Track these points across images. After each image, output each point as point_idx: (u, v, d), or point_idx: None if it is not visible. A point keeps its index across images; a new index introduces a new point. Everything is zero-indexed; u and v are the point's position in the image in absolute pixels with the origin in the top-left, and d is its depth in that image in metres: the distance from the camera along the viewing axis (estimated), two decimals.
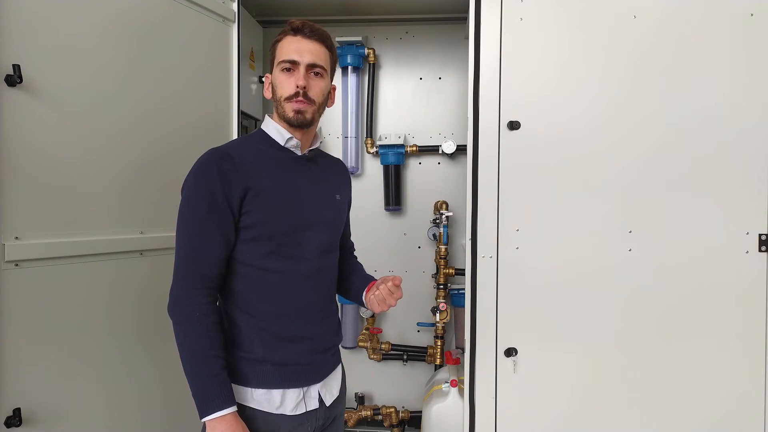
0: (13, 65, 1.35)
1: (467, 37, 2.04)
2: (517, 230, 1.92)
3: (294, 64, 1.32)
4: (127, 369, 1.71)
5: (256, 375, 1.29)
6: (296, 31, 1.33)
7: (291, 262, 1.32)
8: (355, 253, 1.66)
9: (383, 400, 2.96)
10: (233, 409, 1.23)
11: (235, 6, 2.18)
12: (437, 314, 2.63)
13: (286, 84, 1.32)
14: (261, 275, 1.30)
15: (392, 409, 2.79)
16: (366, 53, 2.85)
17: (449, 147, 2.78)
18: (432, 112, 2.94)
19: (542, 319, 1.92)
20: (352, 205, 1.60)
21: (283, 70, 1.33)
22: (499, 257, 1.92)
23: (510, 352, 1.92)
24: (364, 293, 1.44)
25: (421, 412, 2.56)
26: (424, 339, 2.95)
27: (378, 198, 2.94)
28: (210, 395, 1.21)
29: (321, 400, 1.37)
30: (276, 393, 1.30)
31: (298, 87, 1.31)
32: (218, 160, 1.27)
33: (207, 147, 1.33)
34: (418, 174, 2.95)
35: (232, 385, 1.26)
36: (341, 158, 2.71)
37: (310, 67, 1.33)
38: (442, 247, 2.72)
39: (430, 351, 2.85)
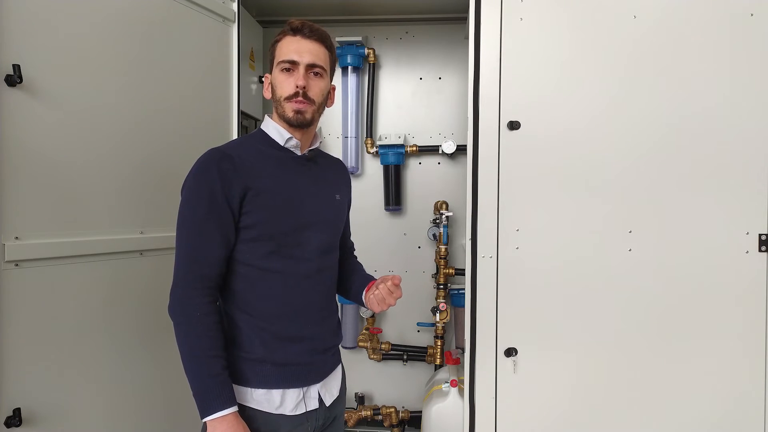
0: (13, 65, 1.35)
1: (467, 37, 2.04)
2: (517, 230, 1.92)
3: (293, 64, 1.32)
4: (127, 369, 1.71)
5: (256, 375, 1.29)
6: (296, 31, 1.33)
7: (291, 262, 1.32)
8: (355, 253, 1.66)
9: (383, 400, 2.96)
10: (234, 409, 1.23)
11: (235, 6, 2.18)
12: (437, 314, 2.63)
13: (285, 84, 1.32)
14: (261, 275, 1.30)
15: (392, 409, 2.79)
16: (366, 53, 2.85)
17: (449, 147, 2.78)
18: (432, 112, 2.93)
19: (542, 319, 1.92)
20: (352, 205, 1.60)
21: (282, 70, 1.33)
22: (499, 257, 1.92)
23: (510, 352, 1.92)
24: (364, 293, 1.44)
25: (421, 412, 2.56)
26: (424, 339, 2.95)
27: (378, 198, 2.94)
28: (211, 395, 1.21)
29: (321, 400, 1.37)
30: (276, 393, 1.30)
31: (297, 87, 1.31)
32: (218, 160, 1.27)
33: (207, 147, 1.33)
34: (418, 174, 2.95)
35: (232, 385, 1.26)
36: (341, 158, 2.71)
37: (310, 67, 1.33)
38: (442, 247, 2.72)
39: (430, 351, 2.85)
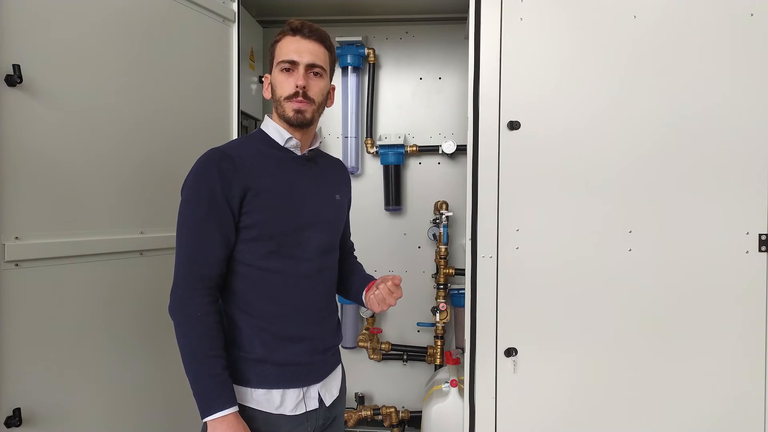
0: (13, 65, 1.35)
1: (467, 37, 2.04)
2: (517, 230, 1.92)
3: (293, 64, 1.32)
4: (127, 369, 1.71)
5: (256, 375, 1.29)
6: (295, 31, 1.33)
7: (291, 262, 1.32)
8: (355, 253, 1.66)
9: (383, 400, 2.96)
10: (234, 409, 1.23)
11: (235, 6, 2.18)
12: (437, 314, 2.63)
13: (285, 84, 1.33)
14: (261, 275, 1.30)
15: (392, 409, 2.79)
16: (366, 53, 2.85)
17: (449, 147, 2.78)
18: (432, 112, 2.93)
19: (542, 319, 1.92)
20: (352, 205, 1.60)
21: (282, 70, 1.33)
22: (499, 257, 1.92)
23: (510, 352, 1.92)
24: (364, 293, 1.44)
25: (421, 412, 2.56)
26: (424, 339, 2.95)
27: (378, 198, 2.94)
28: (211, 395, 1.21)
29: (321, 400, 1.37)
30: (276, 393, 1.30)
31: (297, 87, 1.31)
32: (218, 160, 1.27)
33: (207, 147, 1.33)
34: (418, 174, 2.94)
35: (233, 385, 1.26)
36: (341, 158, 2.72)
37: (310, 67, 1.33)
38: (442, 247, 2.72)
39: (430, 351, 2.85)
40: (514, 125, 1.90)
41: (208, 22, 2.05)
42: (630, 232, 1.90)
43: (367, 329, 2.88)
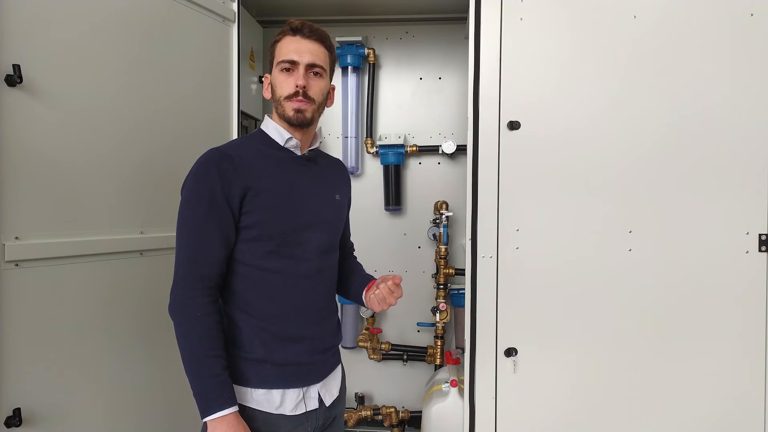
0: (13, 65, 1.35)
1: (467, 37, 2.04)
2: (517, 230, 1.92)
3: (293, 64, 1.32)
4: (127, 369, 1.71)
5: (256, 375, 1.29)
6: (295, 31, 1.33)
7: (291, 262, 1.32)
8: (355, 253, 1.66)
9: (383, 400, 2.96)
10: (234, 409, 1.23)
11: (235, 6, 2.18)
12: (437, 314, 2.63)
13: (285, 84, 1.33)
14: (261, 275, 1.30)
15: (392, 409, 2.79)
16: (366, 53, 2.85)
17: (449, 147, 2.78)
18: (432, 112, 2.93)
19: (542, 319, 1.92)
20: (352, 205, 1.60)
21: (282, 70, 1.33)
22: (499, 257, 1.92)
23: (510, 352, 1.92)
24: (364, 292, 1.44)
25: (421, 412, 2.56)
26: (424, 339, 2.95)
27: (378, 198, 2.94)
28: (211, 395, 1.21)
29: (321, 400, 1.37)
30: (276, 393, 1.30)
31: (297, 86, 1.31)
32: (218, 160, 1.27)
33: (207, 147, 1.33)
34: (418, 174, 2.94)
35: (233, 385, 1.26)
36: (341, 158, 2.72)
37: (310, 66, 1.33)
38: (442, 247, 2.72)
39: (430, 351, 2.85)
40: (514, 125, 1.90)
41: (208, 22, 2.05)
42: (630, 232, 1.90)
43: (367, 329, 2.88)
